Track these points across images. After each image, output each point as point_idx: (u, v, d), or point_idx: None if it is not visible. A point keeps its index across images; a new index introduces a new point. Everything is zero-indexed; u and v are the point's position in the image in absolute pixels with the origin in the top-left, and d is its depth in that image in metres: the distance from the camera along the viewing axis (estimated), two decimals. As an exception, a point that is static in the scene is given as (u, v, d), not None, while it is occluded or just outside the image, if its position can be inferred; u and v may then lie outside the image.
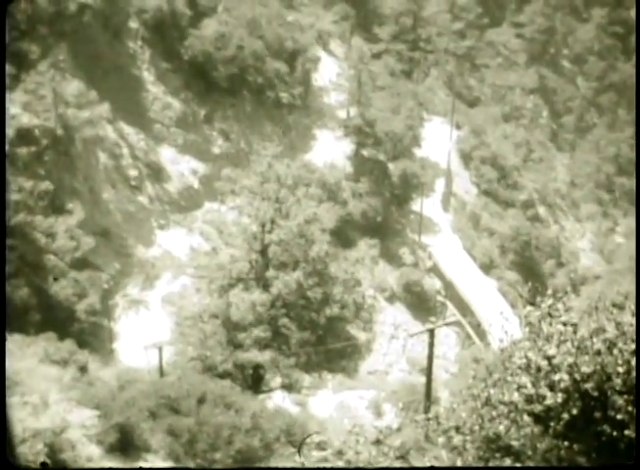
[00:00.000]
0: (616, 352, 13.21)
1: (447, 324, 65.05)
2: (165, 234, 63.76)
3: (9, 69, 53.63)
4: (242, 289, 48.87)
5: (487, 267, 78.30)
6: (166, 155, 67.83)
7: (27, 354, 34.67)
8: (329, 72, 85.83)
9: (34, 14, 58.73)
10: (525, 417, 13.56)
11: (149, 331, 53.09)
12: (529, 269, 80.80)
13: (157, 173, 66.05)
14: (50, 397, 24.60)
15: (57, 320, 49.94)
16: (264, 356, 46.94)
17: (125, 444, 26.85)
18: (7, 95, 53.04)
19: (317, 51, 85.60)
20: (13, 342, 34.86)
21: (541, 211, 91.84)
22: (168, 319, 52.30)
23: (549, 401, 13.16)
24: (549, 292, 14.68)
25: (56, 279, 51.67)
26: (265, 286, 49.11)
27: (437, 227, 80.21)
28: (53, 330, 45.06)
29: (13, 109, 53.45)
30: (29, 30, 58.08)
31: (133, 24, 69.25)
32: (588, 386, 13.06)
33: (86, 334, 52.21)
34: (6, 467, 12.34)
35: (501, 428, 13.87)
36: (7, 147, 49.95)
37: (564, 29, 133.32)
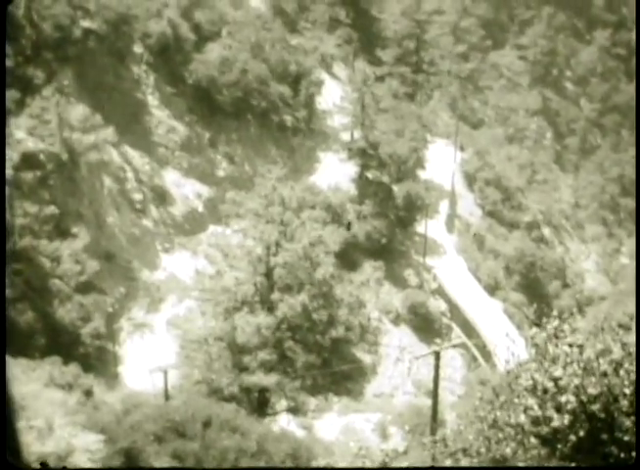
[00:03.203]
0: (622, 373, 13.16)
1: (453, 346, 64.91)
2: (170, 257, 63.77)
3: (14, 94, 53.87)
4: (247, 312, 48.86)
5: (492, 289, 78.16)
6: (171, 178, 67.93)
7: (32, 379, 34.61)
8: (333, 95, 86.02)
9: (39, 39, 59.01)
10: (532, 439, 13.51)
11: (154, 354, 52.99)
12: (535, 290, 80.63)
13: (161, 197, 66.14)
14: (55, 421, 24.56)
15: (62, 344, 49.91)
16: (270, 379, 46.86)
17: (131, 468, 26.77)
18: (12, 120, 53.32)
19: (321, 74, 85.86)
20: (18, 366, 34.86)
21: (546, 232, 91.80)
22: (173, 343, 52.25)
23: (556, 423, 13.11)
24: (555, 313, 14.65)
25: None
26: (270, 309, 49.09)
27: (442, 249, 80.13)
28: (58, 354, 45.03)
29: (18, 133, 53.61)
30: (34, 56, 58.35)
31: (137, 49, 69.54)
32: (595, 407, 13.01)
33: (91, 358, 52.15)
34: (6, 467, 12.31)
35: (508, 450, 13.82)
36: (11, 171, 50.11)
37: (566, 51, 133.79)
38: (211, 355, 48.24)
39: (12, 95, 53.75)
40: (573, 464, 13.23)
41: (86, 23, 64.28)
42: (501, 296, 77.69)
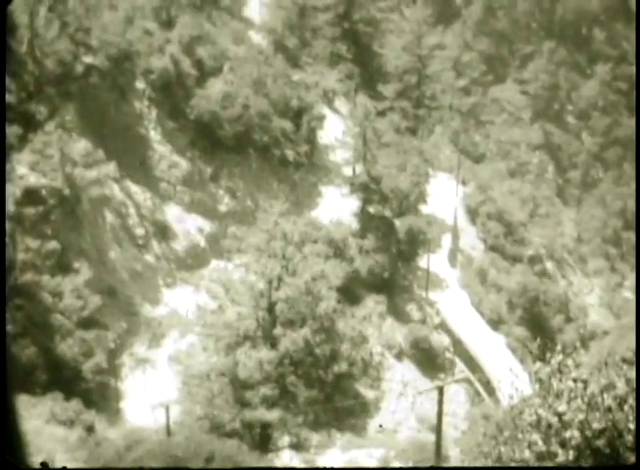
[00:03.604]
0: (626, 408, 13.06)
1: (456, 381, 64.69)
2: (172, 292, 63.65)
3: (16, 129, 54.01)
4: (249, 347, 48.77)
5: (496, 323, 77.93)
6: (173, 213, 67.96)
7: (34, 415, 34.47)
8: (334, 130, 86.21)
9: (42, 75, 59.25)
10: (537, 475, 13.38)
11: (156, 390, 52.81)
12: (538, 325, 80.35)
13: (163, 232, 66.13)
14: (56, 457, 24.40)
15: (63, 380, 49.71)
16: (272, 415, 46.68)
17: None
18: (14, 156, 53.44)
19: (322, 109, 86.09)
20: (19, 402, 34.65)
21: (549, 266, 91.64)
22: (175, 378, 52.10)
23: (560, 459, 12.99)
24: (558, 348, 14.56)
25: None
26: (273, 344, 49.00)
27: (445, 283, 79.97)
28: (59, 390, 44.87)
29: (20, 169, 53.70)
30: (37, 92, 58.55)
31: (140, 85, 69.82)
32: (599, 443, 12.89)
33: (93, 393, 51.92)
34: (6, 467, 12.18)
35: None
36: (13, 207, 50.13)
37: (568, 85, 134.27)
38: (213, 391, 48.11)
39: (14, 131, 53.90)
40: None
41: (89, 59, 64.58)
42: (504, 330, 77.43)
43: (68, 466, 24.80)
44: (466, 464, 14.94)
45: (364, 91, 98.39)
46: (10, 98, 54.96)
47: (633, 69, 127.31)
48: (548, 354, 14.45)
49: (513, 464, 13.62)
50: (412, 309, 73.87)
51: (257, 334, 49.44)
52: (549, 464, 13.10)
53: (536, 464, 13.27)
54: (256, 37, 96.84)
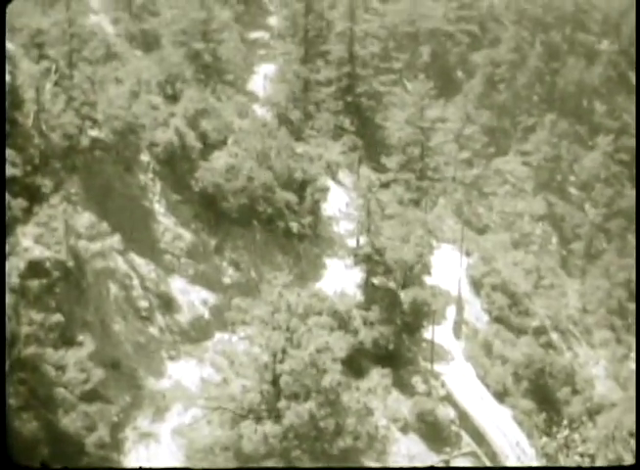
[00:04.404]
0: (636, 483, 12.91)
1: (463, 455, 64.07)
2: (176, 365, 63.32)
3: (21, 202, 54.25)
4: (253, 420, 48.47)
5: (501, 395, 77.38)
6: (177, 285, 67.92)
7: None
8: (338, 202, 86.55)
9: (47, 149, 59.70)
10: None
11: (159, 465, 52.27)
12: (544, 397, 79.73)
13: (167, 304, 66.01)
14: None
15: (65, 454, 49.25)
16: (277, 490, 46.18)
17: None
18: (19, 228, 53.66)
19: (326, 181, 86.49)
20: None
21: (554, 337, 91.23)
22: (179, 452, 51.63)
23: None
24: (565, 422, 14.46)
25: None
26: (277, 417, 48.67)
27: (450, 355, 79.59)
28: (62, 464, 44.42)
29: (25, 241, 53.83)
30: (42, 165, 58.95)
31: (144, 158, 70.28)
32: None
33: (96, 468, 51.42)
34: (6, 467, 12.02)
35: None
36: (17, 280, 50.16)
37: (570, 157, 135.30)
38: (217, 465, 47.64)
39: (19, 204, 54.17)
40: None
41: (94, 133, 65.15)
42: (510, 403, 76.84)
43: None
44: None
45: (367, 163, 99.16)
46: (15, 171, 55.38)
47: (634, 141, 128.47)
48: (555, 429, 14.36)
49: None
50: (417, 382, 73.32)
51: (262, 407, 49.13)
52: None
53: None
54: (261, 110, 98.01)
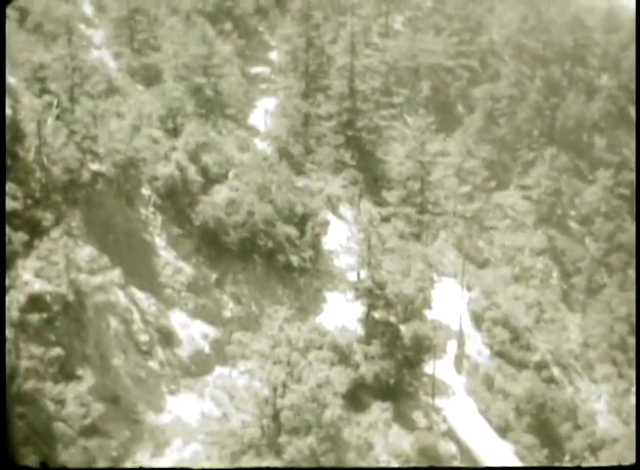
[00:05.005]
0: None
1: (464, 490, 63.60)
2: (176, 399, 63.03)
3: (22, 236, 54.23)
4: (254, 455, 48.12)
5: (503, 430, 77.07)
6: (177, 319, 67.77)
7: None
8: (339, 236, 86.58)
9: (48, 182, 59.73)
10: None
11: (158, 500, 51.93)
12: (546, 432, 79.41)
13: (167, 338, 65.83)
14: None
15: (64, 490, 48.95)
16: (277, 526, 45.81)
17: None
18: (19, 262, 53.56)
19: (327, 215, 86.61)
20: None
21: (555, 372, 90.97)
22: (178, 488, 51.23)
23: None
24: (567, 457, 14.31)
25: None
26: (278, 452, 48.34)
27: (451, 390, 79.36)
28: (60, 500, 44.09)
29: (25, 275, 53.70)
30: (43, 198, 58.95)
31: (145, 191, 70.36)
32: None
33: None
34: (6, 467, 11.89)
35: None
36: (17, 313, 50.05)
37: (570, 191, 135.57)
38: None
39: (20, 237, 54.12)
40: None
41: (95, 167, 65.23)
42: (512, 438, 76.51)
43: None
44: None
45: (368, 197, 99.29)
46: (16, 205, 55.38)
47: (634, 175, 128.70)
48: (557, 464, 14.21)
49: None
50: (418, 417, 73.03)
51: (262, 442, 48.82)
52: None
53: None
54: (261, 144, 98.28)
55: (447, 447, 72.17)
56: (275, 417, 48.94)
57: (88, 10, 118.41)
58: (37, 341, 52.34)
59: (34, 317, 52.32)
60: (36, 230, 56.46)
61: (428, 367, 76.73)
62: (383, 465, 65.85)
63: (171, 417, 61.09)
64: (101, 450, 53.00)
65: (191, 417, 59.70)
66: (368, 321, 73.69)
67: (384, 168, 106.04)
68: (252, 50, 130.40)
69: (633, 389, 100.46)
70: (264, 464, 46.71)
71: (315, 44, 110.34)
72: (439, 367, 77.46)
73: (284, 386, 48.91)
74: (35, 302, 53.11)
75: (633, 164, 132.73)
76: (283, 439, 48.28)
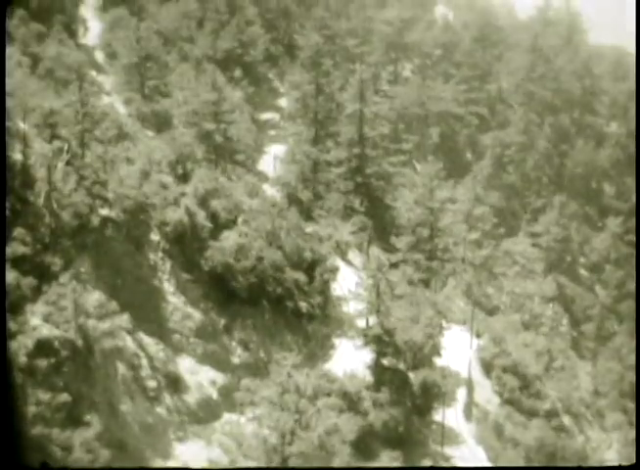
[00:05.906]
0: None
1: None
2: (183, 446, 62.62)
3: (31, 281, 54.26)
4: (261, 503, 47.66)
5: (513, 480, 76.31)
6: (185, 365, 67.51)
7: None
8: (348, 282, 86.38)
9: (58, 227, 59.84)
10: None
11: None
12: (556, 481, 78.65)
13: (175, 384, 65.52)
14: None
15: None
16: None
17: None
18: (28, 307, 53.55)
19: (336, 261, 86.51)
20: None
21: (566, 420, 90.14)
22: None
23: None
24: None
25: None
26: (285, 500, 47.90)
27: (460, 438, 78.68)
28: None
29: (33, 320, 53.65)
30: (53, 243, 59.02)
31: (154, 237, 70.39)
32: None
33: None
34: (6, 467, 11.65)
35: None
36: (25, 359, 49.91)
37: (579, 238, 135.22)
38: None
39: (28, 282, 54.19)
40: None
41: (104, 212, 65.41)
42: (522, 487, 75.77)
43: None
44: None
45: (377, 243, 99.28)
46: (26, 250, 55.54)
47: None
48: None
49: None
50: (428, 465, 72.42)
51: (270, 490, 48.42)
52: None
53: None
54: (271, 190, 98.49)
55: (457, 497, 71.55)
56: (283, 464, 48.55)
57: (99, 56, 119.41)
58: (45, 386, 52.14)
59: (42, 363, 52.20)
60: (45, 275, 56.50)
61: (437, 415, 76.21)
62: None
63: (179, 464, 60.67)
64: (107, 498, 52.59)
65: (198, 464, 59.27)
66: (377, 368, 73.34)
67: (392, 215, 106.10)
68: (262, 97, 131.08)
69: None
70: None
71: (324, 91, 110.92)
72: (449, 415, 76.90)
73: (292, 433, 48.61)
74: (43, 347, 53.01)
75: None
76: (291, 487, 47.91)
